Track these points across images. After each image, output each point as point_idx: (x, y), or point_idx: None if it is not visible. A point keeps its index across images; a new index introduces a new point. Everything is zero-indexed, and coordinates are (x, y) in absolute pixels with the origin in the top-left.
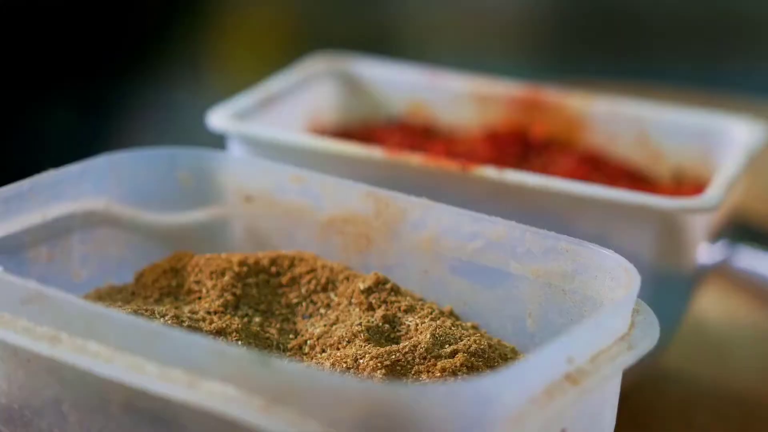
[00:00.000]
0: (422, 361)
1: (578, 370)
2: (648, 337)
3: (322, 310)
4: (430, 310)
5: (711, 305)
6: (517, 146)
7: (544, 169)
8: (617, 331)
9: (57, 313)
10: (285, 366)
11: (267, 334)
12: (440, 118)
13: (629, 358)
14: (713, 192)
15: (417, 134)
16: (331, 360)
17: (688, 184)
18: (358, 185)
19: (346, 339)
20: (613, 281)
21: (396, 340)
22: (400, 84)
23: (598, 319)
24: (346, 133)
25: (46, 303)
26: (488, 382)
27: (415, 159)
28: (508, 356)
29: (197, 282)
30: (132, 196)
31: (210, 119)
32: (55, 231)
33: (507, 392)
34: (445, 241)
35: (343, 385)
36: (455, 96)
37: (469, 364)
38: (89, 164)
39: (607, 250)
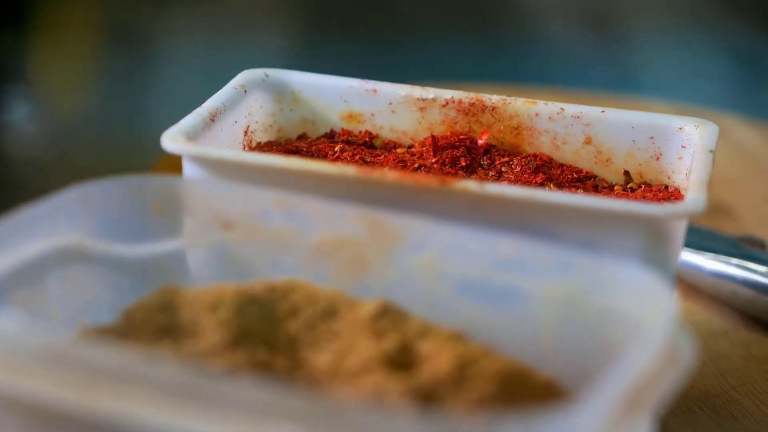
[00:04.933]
0: (447, 388)
1: (636, 397)
2: (688, 354)
3: (326, 339)
4: (440, 334)
5: None
6: (465, 154)
7: (498, 178)
8: (662, 351)
9: (90, 367)
10: (352, 406)
11: (275, 368)
12: (380, 128)
13: (676, 378)
14: (697, 196)
15: (359, 146)
16: (349, 392)
17: (638, 186)
18: (347, 207)
19: (359, 369)
20: (638, 296)
21: (411, 368)
22: (335, 95)
23: (644, 340)
24: (290, 148)
25: (78, 357)
26: (560, 423)
27: (391, 175)
28: (529, 377)
29: (192, 318)
30: (104, 229)
31: (164, 142)
32: (32, 272)
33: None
34: (448, 261)
35: (418, 423)
36: (394, 104)
37: (496, 390)
38: (60, 199)
39: (629, 263)
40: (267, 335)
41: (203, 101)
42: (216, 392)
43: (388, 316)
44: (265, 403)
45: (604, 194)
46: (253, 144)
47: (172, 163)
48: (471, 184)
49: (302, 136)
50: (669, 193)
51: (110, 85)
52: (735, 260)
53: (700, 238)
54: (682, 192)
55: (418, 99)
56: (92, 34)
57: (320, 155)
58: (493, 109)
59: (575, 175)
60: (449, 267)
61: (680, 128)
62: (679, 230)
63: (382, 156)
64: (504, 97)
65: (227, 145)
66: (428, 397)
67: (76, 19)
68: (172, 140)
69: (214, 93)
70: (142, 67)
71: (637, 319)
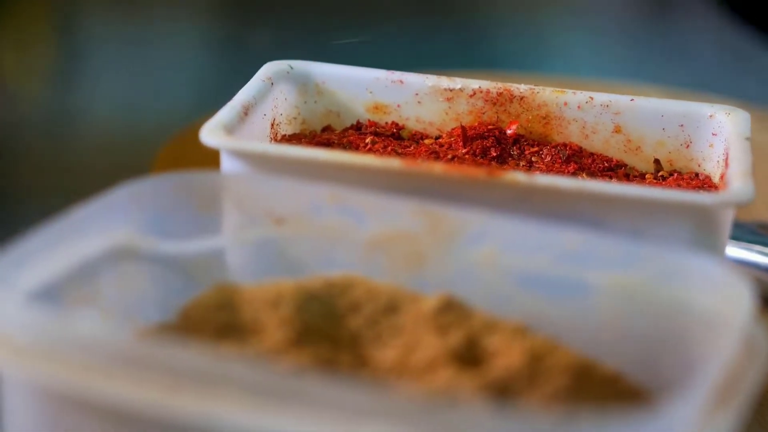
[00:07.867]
0: (521, 383)
1: (723, 394)
2: (765, 348)
3: (389, 335)
4: (505, 328)
5: None
6: (494, 145)
7: (529, 168)
8: (744, 347)
9: (174, 368)
10: (442, 404)
11: (340, 365)
12: (406, 119)
13: (757, 373)
14: (743, 184)
15: (388, 138)
16: (419, 389)
17: (668, 174)
18: (404, 201)
19: (427, 365)
20: (709, 287)
21: (480, 363)
22: (360, 86)
23: (724, 333)
24: (321, 141)
25: (161, 357)
26: (656, 421)
27: (438, 167)
28: (598, 370)
29: (253, 316)
30: (154, 226)
31: (203, 136)
32: (87, 271)
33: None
34: (509, 255)
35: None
36: (420, 95)
37: (570, 384)
38: (112, 197)
39: (701, 255)
40: (329, 332)
41: (162, 92)
42: (306, 391)
43: (451, 310)
44: (358, 402)
45: (637, 183)
46: (279, 137)
47: (171, 160)
48: (520, 176)
49: (327, 128)
50: (701, 181)
51: (64, 77)
52: (757, 247)
53: None
54: (714, 180)
55: (445, 89)
56: (48, 25)
57: (352, 147)
58: (521, 98)
59: (606, 164)
60: (511, 260)
61: (711, 116)
62: (727, 219)
63: (412, 147)
64: (532, 86)
65: (257, 138)
66: (503, 393)
67: (32, 10)
68: (211, 135)
69: (168, 84)
70: (98, 58)
71: (709, 311)
